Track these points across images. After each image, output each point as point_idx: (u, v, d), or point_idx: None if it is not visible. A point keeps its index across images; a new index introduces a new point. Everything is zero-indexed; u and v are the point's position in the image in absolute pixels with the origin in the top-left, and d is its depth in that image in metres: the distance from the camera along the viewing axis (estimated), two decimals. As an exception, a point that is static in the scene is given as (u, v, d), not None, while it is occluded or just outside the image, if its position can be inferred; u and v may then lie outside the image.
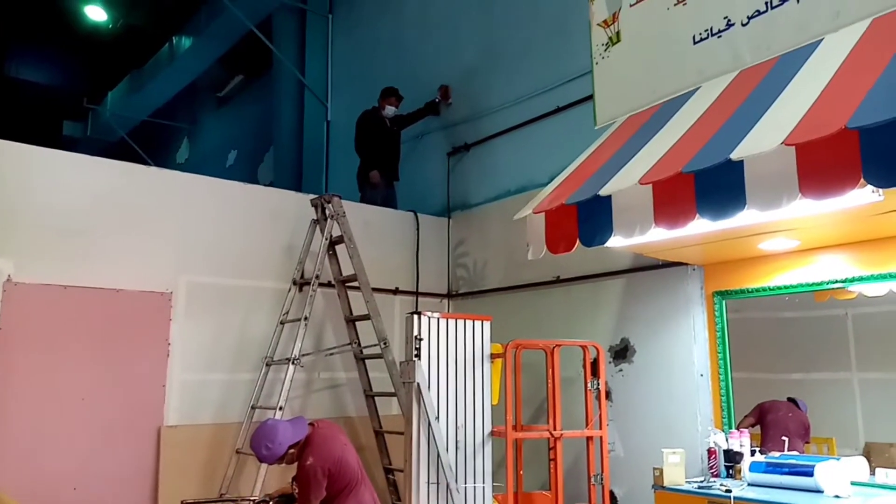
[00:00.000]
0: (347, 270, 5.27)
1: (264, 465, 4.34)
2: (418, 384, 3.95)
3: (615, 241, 3.19)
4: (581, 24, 4.53)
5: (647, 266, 4.49)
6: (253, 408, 4.86)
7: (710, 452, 3.78)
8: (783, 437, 3.68)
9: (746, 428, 3.84)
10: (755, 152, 2.48)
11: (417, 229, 6.13)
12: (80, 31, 14.23)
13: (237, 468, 4.74)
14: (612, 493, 4.45)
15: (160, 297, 4.75)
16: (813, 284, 3.64)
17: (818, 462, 3.26)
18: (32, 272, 4.30)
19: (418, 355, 3.99)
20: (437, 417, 3.99)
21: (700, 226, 2.86)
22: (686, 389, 4.22)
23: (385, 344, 5.04)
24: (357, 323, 5.36)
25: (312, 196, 5.42)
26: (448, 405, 4.04)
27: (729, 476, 3.69)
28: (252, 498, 4.33)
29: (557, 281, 5.16)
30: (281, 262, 5.28)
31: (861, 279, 3.46)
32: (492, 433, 4.13)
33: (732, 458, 3.69)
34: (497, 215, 5.75)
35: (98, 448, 4.39)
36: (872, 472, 3.31)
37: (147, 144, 12.88)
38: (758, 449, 3.75)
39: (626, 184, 2.95)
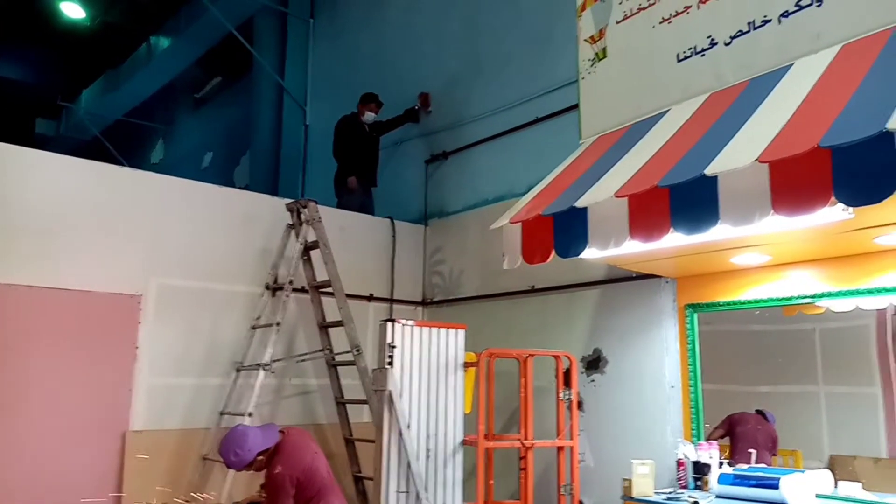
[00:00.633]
0: (322, 276, 5.23)
1: (231, 472, 4.28)
2: (390, 392, 3.93)
3: (590, 253, 3.21)
4: (563, 36, 4.58)
5: (620, 278, 4.52)
6: (221, 413, 4.79)
7: (679, 464, 3.80)
8: (750, 450, 3.72)
9: (716, 439, 3.88)
10: (729, 168, 2.52)
11: (394, 236, 6.12)
12: (56, 28, 14.00)
13: (203, 475, 4.67)
14: (581, 504, 4.46)
15: (130, 299, 4.67)
16: (783, 299, 3.70)
17: (784, 475, 3.30)
18: (-2, 271, 4.20)
19: (391, 363, 3.97)
20: (409, 426, 3.97)
21: (674, 239, 2.89)
22: (657, 401, 4.25)
23: (358, 351, 5.00)
24: (330, 329, 5.32)
25: (288, 200, 5.38)
26: (420, 413, 4.03)
27: (697, 488, 3.72)
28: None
29: (532, 290, 5.18)
30: (254, 266, 5.23)
31: (829, 295, 3.52)
32: (463, 442, 4.12)
33: (701, 469, 3.72)
34: (474, 224, 5.76)
35: (61, 452, 4.29)
36: (836, 485, 3.36)
37: (121, 144, 12.69)
38: (726, 461, 3.79)
39: (603, 196, 2.98)
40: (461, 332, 4.22)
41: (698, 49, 3.44)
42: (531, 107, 5.52)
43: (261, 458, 3.68)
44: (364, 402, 5.08)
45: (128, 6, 13.02)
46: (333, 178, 6.60)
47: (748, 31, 3.23)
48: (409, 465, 3.89)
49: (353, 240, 5.81)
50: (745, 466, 3.62)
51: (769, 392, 3.86)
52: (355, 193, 6.39)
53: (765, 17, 3.17)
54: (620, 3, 3.86)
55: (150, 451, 4.57)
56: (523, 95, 5.62)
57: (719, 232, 2.72)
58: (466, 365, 4.20)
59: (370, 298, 5.87)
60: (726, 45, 3.32)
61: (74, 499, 4.27)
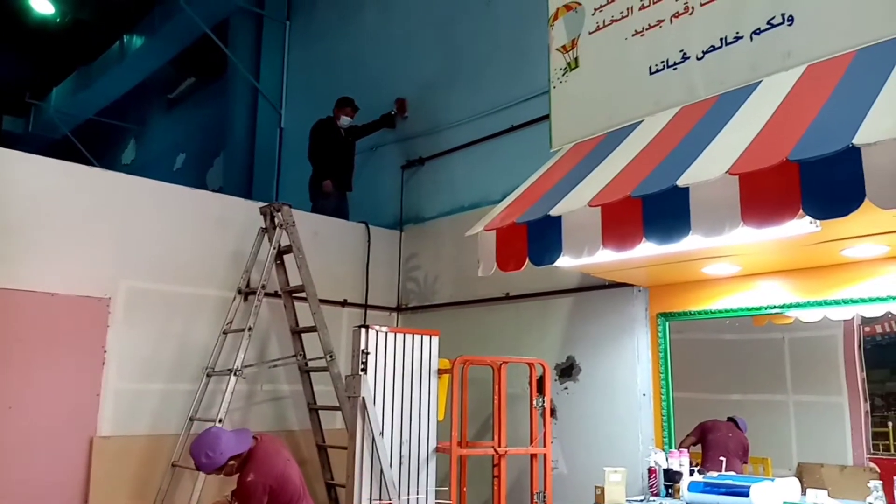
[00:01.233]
0: (295, 281, 5.19)
1: (201, 479, 4.22)
2: (363, 398, 3.90)
3: (564, 261, 3.23)
4: (538, 45, 4.60)
5: (594, 286, 4.55)
6: (191, 419, 4.72)
7: (651, 471, 3.83)
8: (721, 458, 3.76)
9: (688, 447, 3.91)
10: (700, 180, 2.56)
11: (368, 241, 6.09)
12: (25, 24, 13.73)
13: (172, 482, 4.59)
14: (554, 511, 4.47)
15: (98, 302, 4.58)
16: (753, 309, 3.75)
17: (753, 483, 3.34)
18: (-40, 273, 4.10)
19: (364, 369, 3.95)
20: (382, 432, 3.94)
21: (646, 249, 2.92)
22: (629, 408, 4.28)
23: (331, 357, 4.97)
24: (303, 335, 5.27)
25: (262, 204, 5.33)
26: (393, 420, 4.01)
27: (668, 495, 3.75)
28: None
29: (507, 298, 5.19)
30: (226, 270, 5.16)
31: (798, 305, 3.58)
32: (436, 449, 4.11)
33: (672, 477, 3.75)
34: (449, 230, 5.76)
35: (25, 458, 4.19)
36: (804, 493, 3.41)
37: (92, 144, 12.48)
38: (697, 468, 3.82)
39: (576, 205, 3.00)
40: (435, 339, 4.21)
41: (671, 63, 3.48)
42: (507, 115, 5.54)
43: (232, 462, 3.63)
44: (337, 408, 5.04)
45: (100, 3, 12.82)
46: (308, 182, 6.56)
47: (720, 47, 3.28)
48: (382, 472, 3.87)
49: (327, 244, 5.77)
50: (715, 474, 3.66)
51: (740, 400, 3.91)
52: (330, 198, 6.36)
53: (737, 33, 3.22)
54: (593, 14, 3.90)
55: (118, 456, 4.49)
56: (499, 103, 5.63)
57: (691, 242, 2.75)
58: (440, 372, 4.19)
59: (344, 304, 5.83)
60: (698, 59, 3.36)
61: (38, 506, 4.19)
